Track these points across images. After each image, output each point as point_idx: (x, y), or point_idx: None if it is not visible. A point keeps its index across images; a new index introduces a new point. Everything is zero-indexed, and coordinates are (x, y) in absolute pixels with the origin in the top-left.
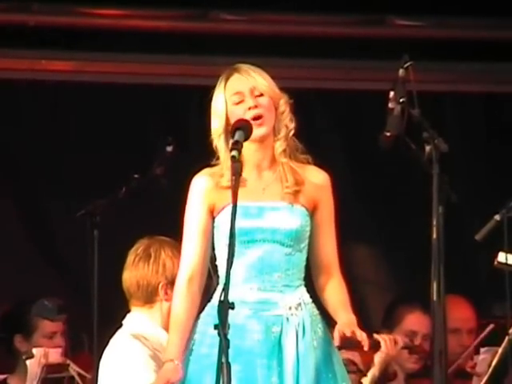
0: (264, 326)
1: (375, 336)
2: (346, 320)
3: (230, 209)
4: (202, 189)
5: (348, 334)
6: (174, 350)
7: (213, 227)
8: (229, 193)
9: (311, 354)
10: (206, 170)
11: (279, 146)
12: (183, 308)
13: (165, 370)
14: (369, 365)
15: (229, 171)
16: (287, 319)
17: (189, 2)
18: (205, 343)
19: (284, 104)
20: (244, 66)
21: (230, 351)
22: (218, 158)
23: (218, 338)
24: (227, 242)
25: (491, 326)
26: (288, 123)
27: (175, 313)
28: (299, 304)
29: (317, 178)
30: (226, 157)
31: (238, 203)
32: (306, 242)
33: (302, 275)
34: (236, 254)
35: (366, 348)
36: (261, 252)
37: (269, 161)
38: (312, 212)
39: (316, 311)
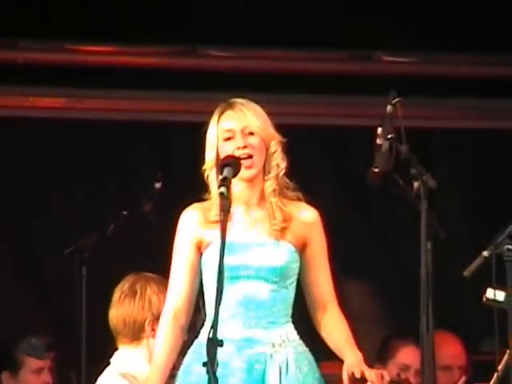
0: (247, 364)
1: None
2: (353, 359)
3: (216, 245)
4: (191, 223)
5: (357, 374)
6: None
7: (200, 263)
8: (216, 228)
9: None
10: (196, 205)
11: (269, 185)
12: (166, 345)
13: None
14: None
15: (217, 205)
16: (271, 356)
17: (177, 38)
18: (189, 381)
19: (276, 144)
20: (239, 103)
21: None
22: (209, 193)
23: (203, 376)
24: (214, 278)
25: (463, 380)
26: (279, 163)
27: (157, 349)
28: (283, 341)
29: (305, 215)
30: (216, 190)
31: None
32: (294, 278)
33: (289, 312)
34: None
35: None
36: (245, 289)
37: (257, 198)
38: (301, 249)
39: (303, 348)
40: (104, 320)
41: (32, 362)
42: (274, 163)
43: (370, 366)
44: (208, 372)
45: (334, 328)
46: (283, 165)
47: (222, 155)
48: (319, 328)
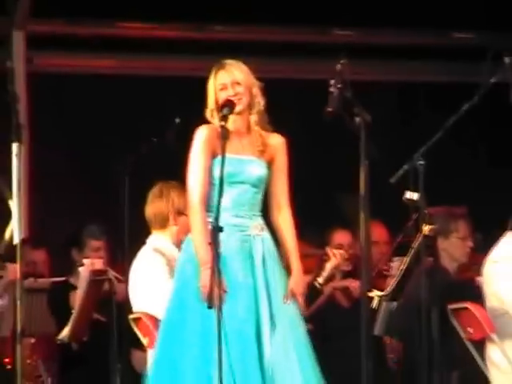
0: (239, 241)
1: (327, 250)
2: (294, 279)
3: (219, 159)
4: (208, 136)
5: (286, 299)
6: (207, 256)
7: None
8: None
9: (271, 258)
10: (210, 125)
11: (253, 117)
12: (203, 224)
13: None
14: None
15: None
16: (254, 237)
17: (190, 17)
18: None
19: (256, 89)
20: (228, 63)
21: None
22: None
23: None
24: (215, 182)
25: (400, 237)
26: (260, 101)
27: (199, 229)
28: (262, 228)
29: (275, 141)
30: (217, 123)
31: (227, 156)
32: (265, 185)
33: (261, 207)
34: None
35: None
36: (240, 190)
37: (245, 128)
38: (270, 164)
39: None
40: (141, 215)
41: (92, 243)
42: (256, 101)
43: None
44: (214, 249)
45: (285, 227)
46: (262, 102)
47: (220, 100)
48: (274, 221)
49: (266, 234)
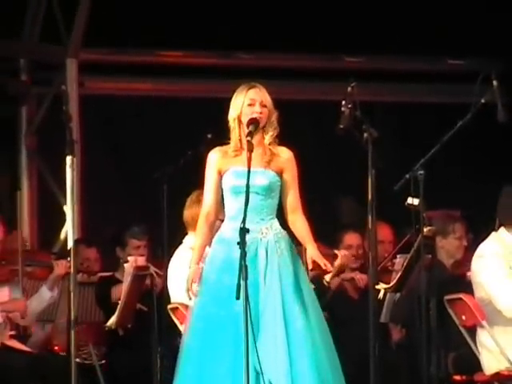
0: (247, 244)
1: (335, 251)
2: (314, 251)
3: (231, 172)
4: (214, 159)
5: (323, 267)
6: (196, 258)
7: (221, 182)
8: (232, 160)
9: (275, 260)
10: (217, 148)
11: (267, 139)
12: (203, 234)
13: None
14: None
15: (236, 144)
16: (260, 240)
17: (218, 46)
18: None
19: (274, 117)
20: (259, 86)
21: (223, 264)
22: (229, 138)
23: (224, 256)
24: (229, 191)
25: (406, 237)
26: (275, 127)
27: (198, 237)
28: (267, 229)
29: (284, 154)
30: (235, 133)
31: (234, 168)
32: (276, 191)
33: (274, 212)
34: (232, 200)
35: (328, 270)
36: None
37: (256, 143)
38: (281, 175)
39: (282, 234)
40: (178, 218)
41: (133, 242)
42: (272, 127)
43: (334, 248)
44: (240, 248)
45: (299, 226)
46: (276, 130)
47: (244, 114)
48: (290, 225)
49: (271, 237)
